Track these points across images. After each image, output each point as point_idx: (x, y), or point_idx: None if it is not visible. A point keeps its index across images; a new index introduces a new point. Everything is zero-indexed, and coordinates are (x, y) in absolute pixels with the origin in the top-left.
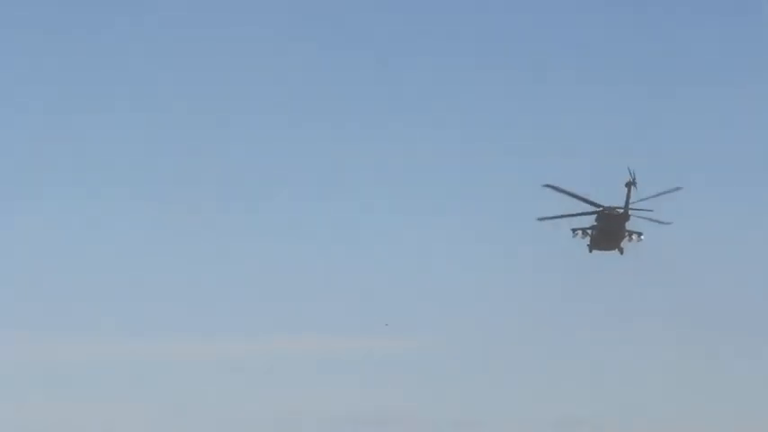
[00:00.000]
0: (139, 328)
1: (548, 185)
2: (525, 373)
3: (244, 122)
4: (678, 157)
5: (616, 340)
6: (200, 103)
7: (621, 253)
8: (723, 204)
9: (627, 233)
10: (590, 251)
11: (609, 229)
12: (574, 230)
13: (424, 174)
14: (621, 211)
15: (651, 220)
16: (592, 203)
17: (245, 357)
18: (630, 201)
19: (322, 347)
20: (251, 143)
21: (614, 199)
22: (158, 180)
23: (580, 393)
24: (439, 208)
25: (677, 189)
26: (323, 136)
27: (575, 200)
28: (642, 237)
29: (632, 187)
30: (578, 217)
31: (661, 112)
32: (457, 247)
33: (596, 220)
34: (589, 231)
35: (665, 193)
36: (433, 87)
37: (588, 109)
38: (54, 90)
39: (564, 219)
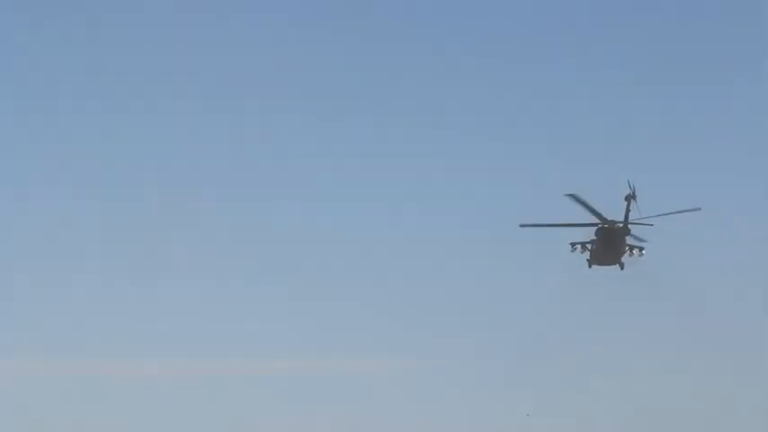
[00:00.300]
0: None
1: (524, 225)
2: (524, 392)
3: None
4: (683, 167)
5: (618, 358)
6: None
7: (622, 268)
8: (726, 217)
9: (627, 247)
10: (589, 266)
11: (608, 244)
12: (573, 245)
13: (423, 190)
14: (621, 225)
15: (680, 211)
16: (602, 219)
17: (248, 379)
18: (630, 213)
19: (318, 367)
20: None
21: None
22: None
23: (581, 412)
24: (435, 223)
25: (697, 209)
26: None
27: (588, 212)
28: (643, 251)
29: (632, 200)
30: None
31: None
32: (454, 261)
33: (595, 234)
34: (588, 246)
35: (684, 211)
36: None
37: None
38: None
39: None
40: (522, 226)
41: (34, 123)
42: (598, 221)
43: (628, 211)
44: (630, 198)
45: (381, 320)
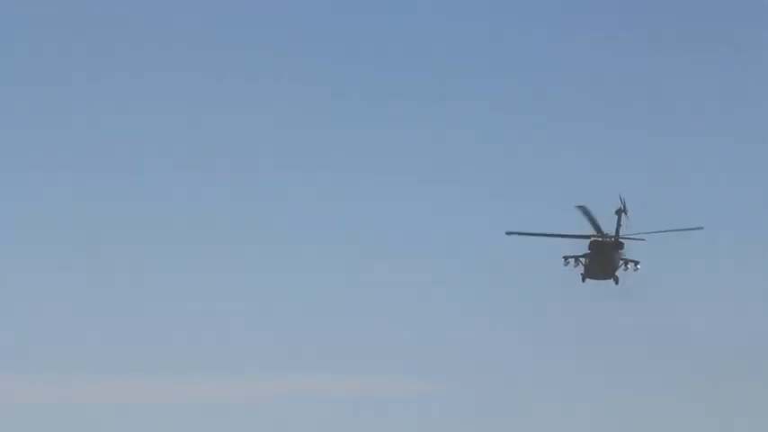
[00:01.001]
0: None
1: (510, 233)
2: (522, 408)
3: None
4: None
5: (615, 376)
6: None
7: (617, 283)
8: (726, 230)
9: (622, 262)
10: (583, 281)
11: (600, 258)
12: (565, 258)
13: (423, 218)
14: (612, 238)
15: (681, 230)
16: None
17: (264, 399)
18: (622, 227)
19: (334, 389)
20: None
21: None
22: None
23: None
24: (434, 247)
25: (699, 228)
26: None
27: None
28: (638, 266)
29: (623, 215)
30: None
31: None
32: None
33: (588, 247)
34: (581, 260)
35: (686, 230)
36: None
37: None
38: None
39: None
40: (508, 234)
41: None
42: (592, 235)
43: (619, 225)
44: (621, 212)
45: (383, 339)
